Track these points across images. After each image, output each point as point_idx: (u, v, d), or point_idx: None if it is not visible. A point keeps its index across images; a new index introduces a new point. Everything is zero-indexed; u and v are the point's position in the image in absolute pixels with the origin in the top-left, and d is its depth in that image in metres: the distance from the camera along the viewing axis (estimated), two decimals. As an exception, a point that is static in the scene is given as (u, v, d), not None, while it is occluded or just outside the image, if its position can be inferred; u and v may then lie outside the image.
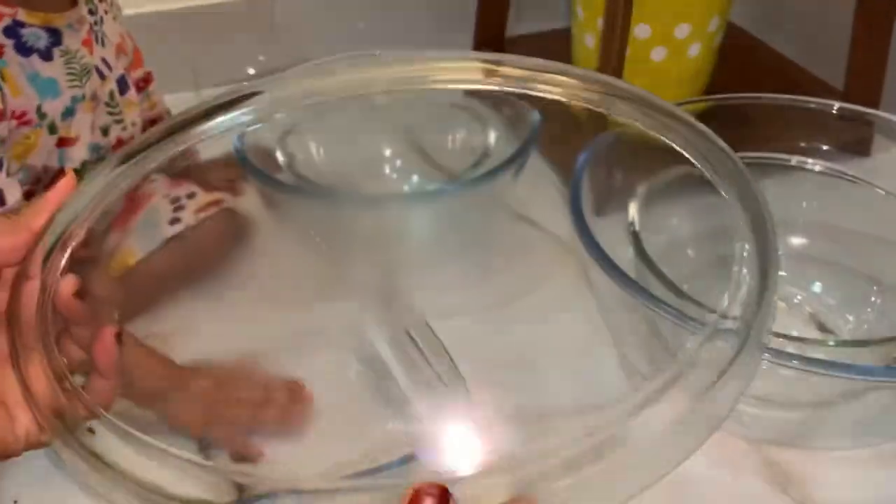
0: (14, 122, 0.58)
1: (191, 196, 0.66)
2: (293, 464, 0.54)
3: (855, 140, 0.73)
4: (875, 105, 0.80)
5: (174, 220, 0.65)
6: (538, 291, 0.61)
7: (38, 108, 0.59)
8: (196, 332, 0.56)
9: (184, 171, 0.65)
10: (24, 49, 0.58)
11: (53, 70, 0.60)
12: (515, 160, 0.64)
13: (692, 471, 0.54)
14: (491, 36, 0.97)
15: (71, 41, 0.61)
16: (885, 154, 0.73)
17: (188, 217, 0.65)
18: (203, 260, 0.64)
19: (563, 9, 0.94)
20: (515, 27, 0.98)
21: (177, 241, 0.63)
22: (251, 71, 0.93)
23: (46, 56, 0.60)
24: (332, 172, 0.66)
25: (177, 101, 0.79)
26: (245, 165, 0.61)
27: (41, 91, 0.59)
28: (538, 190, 0.62)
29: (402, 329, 0.59)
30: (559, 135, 0.82)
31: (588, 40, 0.81)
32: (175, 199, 0.65)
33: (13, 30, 0.58)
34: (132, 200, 0.61)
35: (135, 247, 0.61)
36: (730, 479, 0.54)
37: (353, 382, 0.58)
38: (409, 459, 0.50)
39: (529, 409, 0.58)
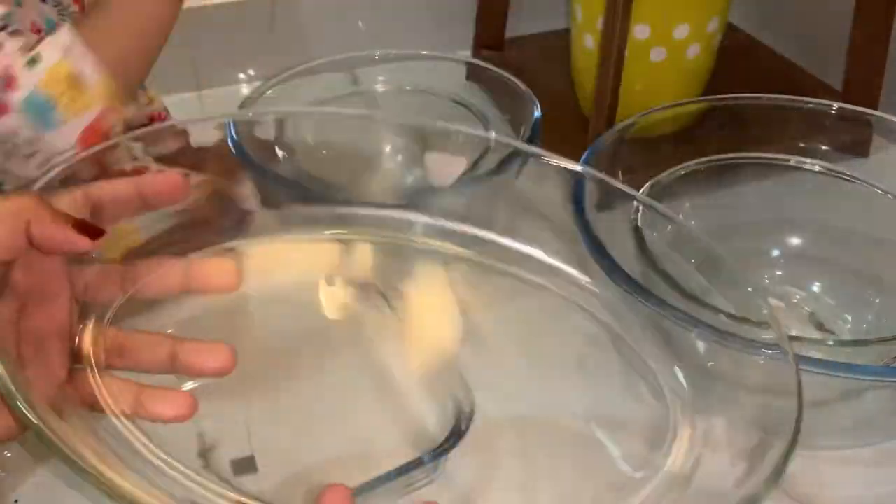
0: None
1: (186, 175, 0.66)
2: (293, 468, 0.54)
3: (854, 140, 0.73)
4: (874, 105, 0.80)
5: None
6: (539, 289, 0.62)
7: None
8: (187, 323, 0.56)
9: (176, 159, 0.65)
10: None
11: None
12: (517, 158, 0.64)
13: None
14: (491, 36, 0.97)
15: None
16: (883, 154, 0.73)
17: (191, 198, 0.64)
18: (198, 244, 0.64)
19: (563, 9, 0.94)
20: (515, 27, 0.98)
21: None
22: (251, 71, 0.93)
23: None
24: (331, 169, 0.66)
25: (178, 102, 0.79)
26: (241, 157, 0.60)
27: None
28: (539, 187, 0.62)
29: (402, 326, 0.59)
30: (561, 132, 0.83)
31: (587, 41, 0.81)
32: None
33: None
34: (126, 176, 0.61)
35: (139, 226, 0.61)
36: (729, 478, 0.54)
37: (351, 379, 0.58)
38: (413, 466, 0.51)
39: (531, 407, 0.58)
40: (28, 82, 0.53)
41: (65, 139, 0.55)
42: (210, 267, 0.44)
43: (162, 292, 0.44)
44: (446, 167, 0.61)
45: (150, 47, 0.58)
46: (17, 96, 0.53)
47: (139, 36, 0.58)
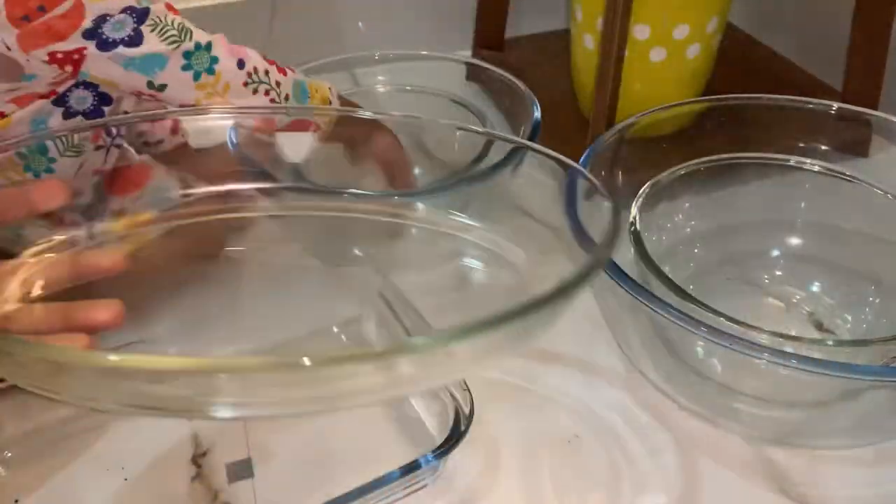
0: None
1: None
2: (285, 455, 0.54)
3: (853, 140, 0.73)
4: (873, 105, 0.80)
5: (185, 187, 0.64)
6: (537, 287, 0.62)
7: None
8: (189, 319, 0.56)
9: (177, 160, 0.65)
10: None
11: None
12: (515, 156, 0.64)
13: (692, 470, 0.55)
14: (491, 36, 0.97)
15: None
16: (883, 154, 0.73)
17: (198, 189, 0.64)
18: (202, 243, 0.64)
19: (563, 9, 0.94)
20: (515, 28, 0.98)
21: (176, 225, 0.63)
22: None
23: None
24: (330, 168, 0.67)
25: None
26: (241, 159, 0.61)
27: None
28: (538, 186, 0.62)
29: (401, 325, 0.59)
30: (561, 132, 0.83)
31: (587, 41, 0.81)
32: (182, 177, 0.65)
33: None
34: (132, 174, 0.62)
35: (147, 208, 0.61)
36: (729, 478, 0.54)
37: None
38: (413, 466, 0.51)
39: (531, 408, 0.58)
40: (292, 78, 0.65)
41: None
42: (95, 253, 0.48)
43: (54, 282, 0.47)
44: (296, 141, 0.64)
45: None
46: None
47: None
